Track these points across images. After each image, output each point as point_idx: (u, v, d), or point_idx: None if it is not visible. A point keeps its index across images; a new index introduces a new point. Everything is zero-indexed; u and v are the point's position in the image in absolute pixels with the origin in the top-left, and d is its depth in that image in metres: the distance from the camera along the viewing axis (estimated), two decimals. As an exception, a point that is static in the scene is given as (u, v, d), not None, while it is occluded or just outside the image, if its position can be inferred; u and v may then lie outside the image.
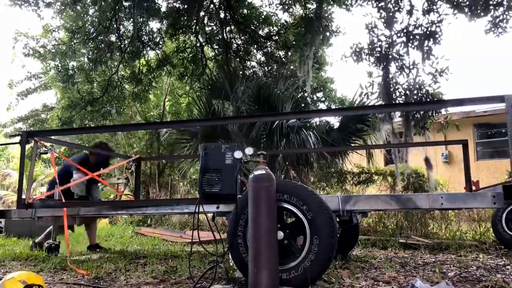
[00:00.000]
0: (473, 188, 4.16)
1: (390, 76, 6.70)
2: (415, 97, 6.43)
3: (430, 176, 6.93)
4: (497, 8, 6.69)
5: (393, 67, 6.74)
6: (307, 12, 9.78)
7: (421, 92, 6.42)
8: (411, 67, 6.58)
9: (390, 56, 6.73)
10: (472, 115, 12.65)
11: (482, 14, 6.77)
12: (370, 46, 6.81)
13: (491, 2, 6.66)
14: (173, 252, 4.95)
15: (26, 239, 6.39)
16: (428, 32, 6.55)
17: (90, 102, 10.69)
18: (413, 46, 6.67)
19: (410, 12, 6.72)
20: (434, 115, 6.58)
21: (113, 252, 5.02)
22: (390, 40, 6.78)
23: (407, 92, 6.52)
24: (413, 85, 6.49)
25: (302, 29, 9.48)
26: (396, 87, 6.63)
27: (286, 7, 10.50)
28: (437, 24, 6.53)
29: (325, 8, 9.34)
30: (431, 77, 6.40)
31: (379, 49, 6.77)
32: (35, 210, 3.89)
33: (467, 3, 6.76)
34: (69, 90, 10.92)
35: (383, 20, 6.76)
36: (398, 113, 6.98)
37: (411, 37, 6.63)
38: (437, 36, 6.50)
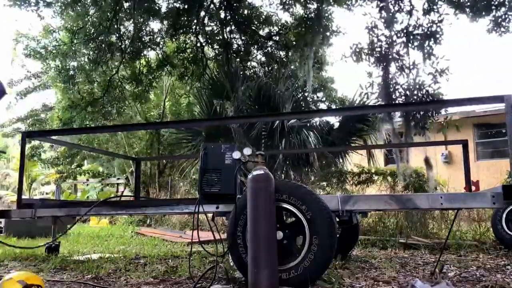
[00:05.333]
0: (473, 188, 4.16)
1: (390, 76, 6.70)
2: (415, 97, 6.42)
3: (430, 177, 6.93)
4: (498, 8, 6.70)
5: (393, 67, 6.74)
6: (308, 12, 9.78)
7: (421, 92, 6.42)
8: (411, 67, 6.57)
9: (390, 56, 6.73)
10: (472, 115, 12.62)
11: (484, 13, 6.77)
12: (370, 46, 6.81)
13: (492, 2, 6.66)
14: (173, 252, 4.95)
15: (26, 239, 6.39)
16: (428, 32, 6.55)
17: (91, 102, 10.69)
18: (413, 46, 6.67)
19: (410, 12, 6.72)
20: (434, 115, 6.58)
21: (113, 252, 5.01)
22: (390, 40, 6.77)
23: (407, 92, 6.52)
24: (413, 85, 6.49)
25: (302, 29, 9.49)
26: (396, 87, 6.63)
27: (287, 7, 10.49)
28: (438, 24, 6.52)
29: (325, 8, 9.34)
30: (431, 77, 6.40)
31: (379, 49, 6.77)
32: (35, 210, 3.88)
33: (468, 3, 6.76)
34: (70, 90, 10.90)
35: (383, 20, 6.76)
36: (398, 113, 6.98)
37: (411, 37, 6.63)
38: (437, 36, 6.50)
